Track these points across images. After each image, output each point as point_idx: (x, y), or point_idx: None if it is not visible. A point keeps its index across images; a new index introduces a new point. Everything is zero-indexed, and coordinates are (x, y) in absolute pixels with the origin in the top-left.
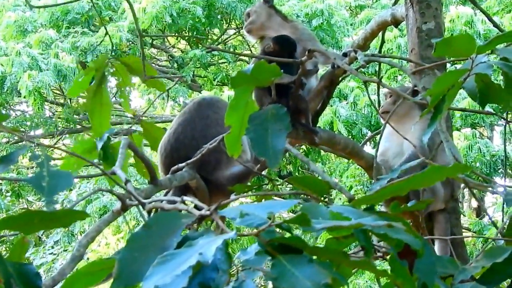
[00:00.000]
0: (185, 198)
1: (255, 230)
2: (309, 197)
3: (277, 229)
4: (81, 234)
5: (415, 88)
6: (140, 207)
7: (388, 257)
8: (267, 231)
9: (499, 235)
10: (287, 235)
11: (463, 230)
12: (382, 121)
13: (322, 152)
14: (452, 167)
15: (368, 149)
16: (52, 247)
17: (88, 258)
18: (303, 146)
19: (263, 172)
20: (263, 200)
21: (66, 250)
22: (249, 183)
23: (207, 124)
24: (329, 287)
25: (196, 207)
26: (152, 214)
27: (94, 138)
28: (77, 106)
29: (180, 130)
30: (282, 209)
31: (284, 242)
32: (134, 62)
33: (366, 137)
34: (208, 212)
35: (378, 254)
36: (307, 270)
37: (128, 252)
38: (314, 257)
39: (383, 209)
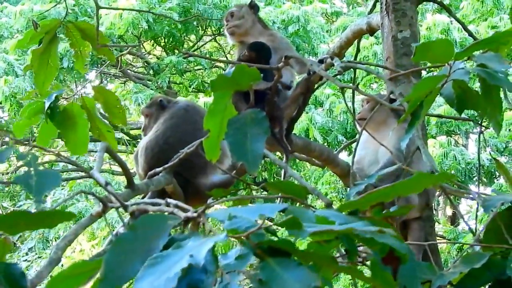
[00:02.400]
0: (169, 200)
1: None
2: (294, 201)
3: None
4: (56, 240)
5: (391, 96)
6: (120, 210)
7: (368, 262)
8: (256, 234)
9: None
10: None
11: (438, 238)
12: (359, 128)
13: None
14: (440, 174)
15: (343, 155)
16: (26, 254)
17: (62, 265)
18: (278, 153)
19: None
20: (239, 206)
21: (41, 257)
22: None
23: (196, 128)
24: None
25: (180, 208)
26: (131, 217)
27: (42, 99)
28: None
29: (169, 134)
30: (271, 213)
31: (273, 245)
32: (87, 28)
33: (342, 145)
34: (195, 214)
35: (359, 259)
36: (297, 273)
37: (114, 254)
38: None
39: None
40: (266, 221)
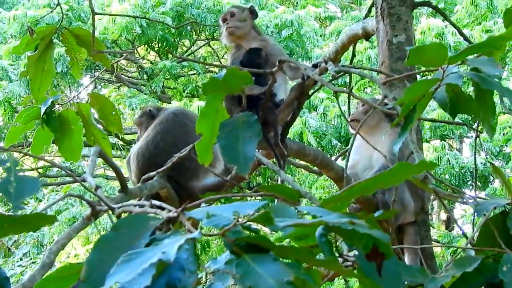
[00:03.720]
0: (154, 202)
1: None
2: (279, 199)
3: (247, 232)
4: (50, 245)
5: (385, 101)
6: (111, 213)
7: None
8: (233, 231)
9: (469, 245)
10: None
11: (432, 242)
12: (351, 130)
13: None
14: (418, 164)
15: (338, 160)
16: (21, 259)
17: None
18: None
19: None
20: None
21: (35, 262)
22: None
23: (186, 131)
24: (292, 285)
25: (164, 209)
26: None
27: (38, 104)
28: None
29: (159, 138)
30: (249, 210)
31: (250, 242)
32: (83, 35)
33: (337, 150)
34: (175, 214)
35: (348, 263)
36: (271, 268)
37: (96, 254)
38: (285, 260)
39: None
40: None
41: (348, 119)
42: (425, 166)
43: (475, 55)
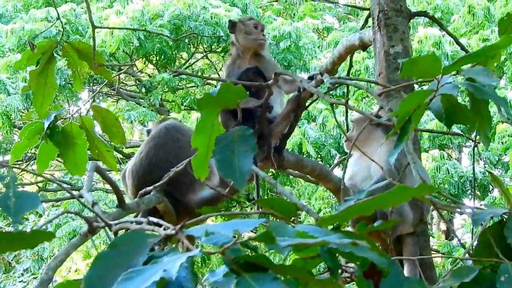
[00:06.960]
0: (151, 219)
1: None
2: (277, 217)
3: (245, 249)
4: (50, 259)
5: (379, 113)
6: (107, 229)
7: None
8: (233, 249)
9: (467, 255)
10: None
11: (432, 252)
12: (346, 148)
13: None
14: (418, 187)
15: (337, 171)
16: (22, 274)
17: None
18: (271, 170)
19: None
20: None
21: (36, 277)
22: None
23: (179, 146)
24: None
25: (161, 226)
26: (116, 236)
27: (41, 119)
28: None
29: (152, 154)
30: (247, 228)
31: (250, 260)
32: (84, 48)
33: (335, 162)
34: (173, 232)
35: (346, 274)
36: (272, 287)
37: (94, 270)
38: (282, 277)
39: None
40: (244, 236)
41: (344, 138)
42: (424, 189)
43: (470, 64)
